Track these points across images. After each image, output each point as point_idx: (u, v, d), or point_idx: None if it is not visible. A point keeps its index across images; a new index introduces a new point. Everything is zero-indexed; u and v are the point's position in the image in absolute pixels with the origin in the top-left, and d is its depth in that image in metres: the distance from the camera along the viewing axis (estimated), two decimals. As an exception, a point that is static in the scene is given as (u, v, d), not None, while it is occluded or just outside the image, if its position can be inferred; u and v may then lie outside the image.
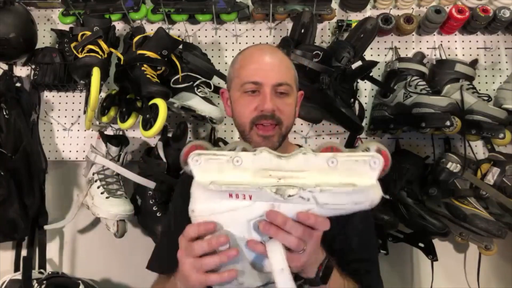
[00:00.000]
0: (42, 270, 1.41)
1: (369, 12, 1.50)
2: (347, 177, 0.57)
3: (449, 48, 1.47)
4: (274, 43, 1.48)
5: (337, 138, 1.46)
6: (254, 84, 0.86)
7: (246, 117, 0.87)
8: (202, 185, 0.58)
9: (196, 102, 1.29)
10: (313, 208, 0.58)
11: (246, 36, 1.51)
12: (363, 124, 1.39)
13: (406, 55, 1.46)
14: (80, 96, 1.50)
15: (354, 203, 0.57)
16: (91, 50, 1.26)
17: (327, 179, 0.57)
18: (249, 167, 0.58)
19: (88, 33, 1.27)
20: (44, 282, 1.26)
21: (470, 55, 1.47)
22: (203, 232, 0.61)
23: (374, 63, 1.31)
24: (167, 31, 1.32)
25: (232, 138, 1.45)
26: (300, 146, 1.03)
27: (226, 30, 1.51)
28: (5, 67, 1.49)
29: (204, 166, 0.58)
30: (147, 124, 1.22)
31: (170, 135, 1.39)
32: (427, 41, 1.48)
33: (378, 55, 1.48)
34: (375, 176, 0.57)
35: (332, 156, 0.58)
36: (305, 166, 0.58)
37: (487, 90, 1.43)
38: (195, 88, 1.31)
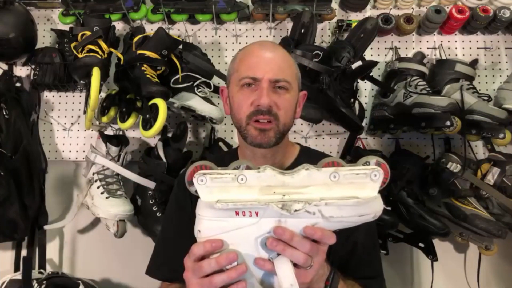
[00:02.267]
0: (42, 270, 1.41)
1: (369, 12, 1.50)
2: (350, 190, 0.59)
3: (449, 48, 1.47)
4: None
5: (337, 138, 1.46)
6: (251, 79, 0.84)
7: (243, 112, 0.85)
8: (208, 204, 0.59)
9: (196, 102, 1.29)
10: (319, 222, 0.59)
11: (246, 36, 1.51)
12: (363, 124, 1.39)
13: (406, 55, 1.46)
14: (80, 96, 1.50)
15: (359, 215, 0.59)
16: (91, 50, 1.26)
17: (331, 193, 0.59)
18: (254, 184, 0.59)
19: (88, 33, 1.27)
20: (44, 282, 1.26)
21: (470, 55, 1.47)
22: (210, 250, 0.60)
23: (374, 63, 1.31)
24: (167, 31, 1.32)
25: (232, 138, 1.45)
26: (301, 145, 1.02)
27: (226, 30, 1.51)
28: (5, 67, 1.49)
29: (209, 186, 0.59)
30: (147, 124, 1.22)
31: (170, 135, 1.39)
32: (427, 41, 1.48)
33: (378, 55, 1.48)
34: (377, 188, 0.60)
35: (334, 170, 0.59)
36: (308, 181, 0.60)
37: (487, 90, 1.43)
38: (195, 88, 1.32)
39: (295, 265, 0.60)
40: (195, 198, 0.94)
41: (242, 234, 0.60)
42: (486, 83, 1.45)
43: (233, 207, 0.58)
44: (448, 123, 1.20)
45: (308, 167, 0.60)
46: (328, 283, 0.66)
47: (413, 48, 1.48)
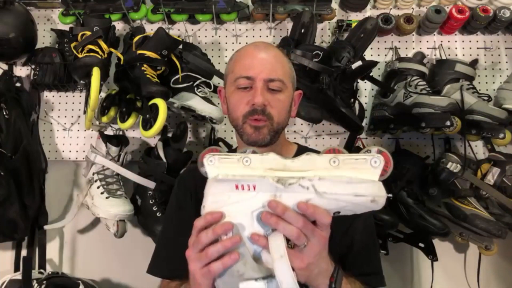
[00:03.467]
0: (42, 270, 1.41)
1: (369, 12, 1.50)
2: (349, 175, 0.60)
3: (449, 48, 1.47)
4: (274, 43, 1.48)
5: (337, 138, 1.46)
6: (246, 78, 0.86)
7: (239, 112, 0.88)
8: (213, 179, 0.63)
9: (196, 102, 1.29)
10: (312, 198, 0.59)
11: (246, 36, 1.51)
12: (363, 124, 1.39)
13: (406, 55, 1.46)
14: (80, 96, 1.50)
15: (354, 195, 0.59)
16: (91, 50, 1.26)
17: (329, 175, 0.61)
18: (257, 166, 0.63)
19: (88, 33, 1.27)
20: (44, 282, 1.26)
21: (470, 55, 1.47)
22: (211, 220, 0.62)
23: (374, 63, 1.31)
24: (167, 31, 1.31)
25: (232, 138, 1.45)
26: (299, 145, 1.02)
27: (226, 30, 1.51)
28: (5, 67, 1.49)
29: (217, 166, 0.64)
30: (147, 124, 1.22)
31: (170, 135, 1.39)
32: (427, 41, 1.48)
33: (378, 55, 1.48)
34: (377, 174, 0.60)
35: (334, 156, 0.61)
36: (309, 165, 0.62)
37: (487, 90, 1.43)
38: (195, 88, 1.32)
39: (292, 246, 0.62)
40: (195, 197, 0.96)
41: (240, 208, 0.62)
42: (486, 83, 1.45)
43: (233, 179, 0.61)
44: (448, 123, 1.20)
45: (309, 153, 0.63)
46: (333, 279, 0.66)
47: (413, 48, 1.48)
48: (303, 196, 0.60)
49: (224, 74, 0.97)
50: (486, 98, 1.29)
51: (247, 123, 0.87)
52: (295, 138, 1.45)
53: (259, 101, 0.84)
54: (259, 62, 0.88)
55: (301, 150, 1.00)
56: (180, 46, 1.32)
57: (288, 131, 1.42)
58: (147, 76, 1.22)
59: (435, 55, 1.46)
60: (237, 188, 0.62)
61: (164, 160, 1.29)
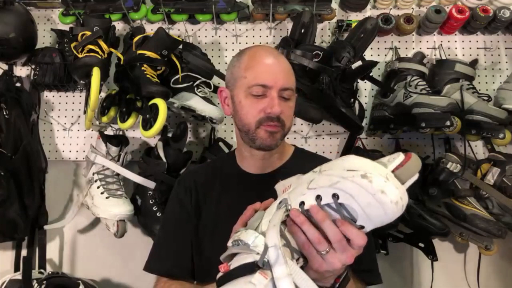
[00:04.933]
0: (42, 270, 1.41)
1: (369, 12, 1.50)
2: None
3: (449, 48, 1.47)
4: (274, 43, 1.48)
5: (337, 138, 1.46)
6: (262, 86, 0.87)
7: (252, 118, 0.88)
8: None
9: (196, 102, 1.29)
10: (315, 177, 0.59)
11: (246, 36, 1.51)
12: (363, 124, 1.39)
13: (406, 55, 1.46)
14: (80, 96, 1.50)
15: (345, 169, 0.55)
16: (91, 50, 1.26)
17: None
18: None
19: (88, 33, 1.27)
20: (44, 282, 1.26)
21: (470, 55, 1.47)
22: None
23: (374, 63, 1.31)
24: (167, 31, 1.32)
25: (232, 138, 1.45)
26: (296, 146, 1.04)
27: (226, 30, 1.51)
28: (5, 67, 1.49)
29: None
30: (147, 124, 1.22)
31: (170, 135, 1.39)
32: (427, 41, 1.48)
33: (378, 55, 1.48)
34: (390, 166, 0.55)
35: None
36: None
37: (487, 90, 1.43)
38: (195, 88, 1.32)
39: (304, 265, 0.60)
40: (194, 198, 0.96)
41: None
42: (486, 83, 1.45)
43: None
44: (448, 123, 1.20)
45: None
46: (339, 280, 0.65)
47: (413, 48, 1.48)
48: (310, 176, 0.60)
49: (230, 76, 0.94)
50: (486, 98, 1.29)
51: (261, 128, 0.88)
52: (295, 138, 1.45)
53: (277, 111, 0.86)
54: (275, 70, 0.88)
55: (297, 152, 1.02)
56: (180, 46, 1.32)
57: (288, 131, 1.42)
58: (147, 76, 1.22)
59: (435, 55, 1.46)
60: None
61: (164, 160, 1.30)
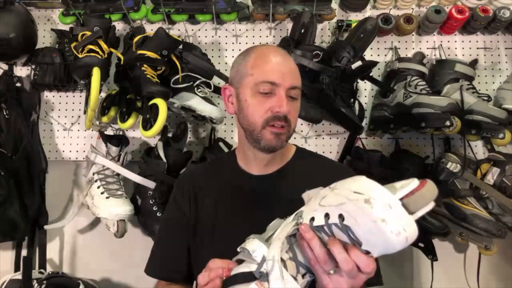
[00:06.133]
0: (42, 270, 1.41)
1: (369, 12, 1.50)
2: None
3: (449, 48, 1.47)
4: (274, 43, 1.48)
5: (337, 138, 1.46)
6: (270, 84, 0.85)
7: (259, 117, 0.86)
8: None
9: (196, 102, 1.29)
10: (328, 193, 0.58)
11: (246, 36, 1.51)
12: (363, 124, 1.39)
13: (406, 55, 1.47)
14: (80, 96, 1.51)
15: (352, 190, 0.54)
16: (91, 50, 1.26)
17: None
18: None
19: (88, 33, 1.27)
20: (44, 282, 1.26)
21: (470, 55, 1.47)
22: None
23: (374, 63, 1.31)
24: (167, 31, 1.32)
25: (232, 138, 1.45)
26: (297, 146, 1.03)
27: (226, 30, 1.51)
28: (5, 67, 1.49)
29: None
30: (147, 124, 1.22)
31: (170, 135, 1.39)
32: (427, 41, 1.48)
33: (378, 55, 1.48)
34: (401, 192, 0.53)
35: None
36: None
37: (487, 90, 1.43)
38: (195, 88, 1.32)
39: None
40: (193, 200, 0.96)
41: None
42: (486, 83, 1.45)
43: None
44: (448, 123, 1.20)
45: None
46: None
47: (413, 48, 1.48)
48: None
49: (236, 74, 0.92)
50: (486, 98, 1.29)
51: (267, 129, 0.86)
52: (295, 138, 1.45)
53: (285, 110, 0.84)
54: (283, 68, 0.87)
55: (299, 152, 1.01)
56: (180, 46, 1.32)
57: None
58: (147, 76, 1.22)
59: (435, 55, 1.46)
60: None
61: (164, 160, 1.30)
